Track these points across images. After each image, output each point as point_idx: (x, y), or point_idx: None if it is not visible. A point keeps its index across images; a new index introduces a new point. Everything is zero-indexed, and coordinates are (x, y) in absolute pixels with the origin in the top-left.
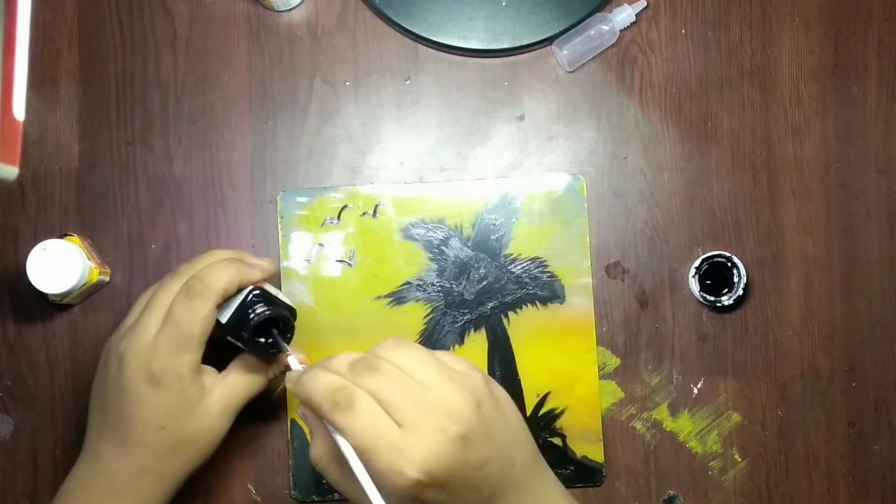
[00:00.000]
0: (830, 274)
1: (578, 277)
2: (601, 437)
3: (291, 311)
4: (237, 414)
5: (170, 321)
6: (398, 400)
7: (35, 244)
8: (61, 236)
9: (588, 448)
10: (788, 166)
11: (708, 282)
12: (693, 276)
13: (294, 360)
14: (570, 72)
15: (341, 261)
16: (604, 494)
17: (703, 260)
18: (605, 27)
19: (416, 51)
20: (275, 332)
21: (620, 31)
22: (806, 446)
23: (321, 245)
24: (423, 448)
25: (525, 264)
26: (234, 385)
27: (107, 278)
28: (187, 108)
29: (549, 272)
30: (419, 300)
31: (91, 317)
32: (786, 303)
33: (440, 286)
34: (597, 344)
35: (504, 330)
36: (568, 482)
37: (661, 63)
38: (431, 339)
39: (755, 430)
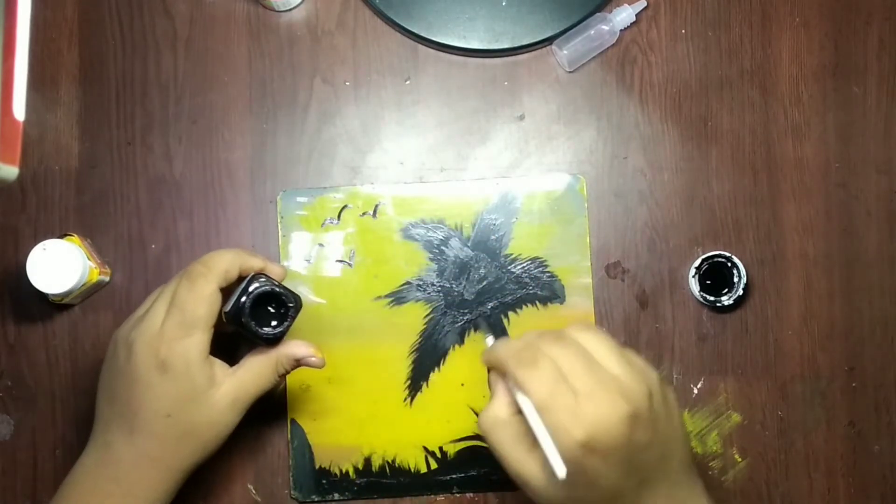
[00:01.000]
0: (830, 274)
1: (578, 277)
2: None
3: (294, 295)
4: (246, 409)
5: (174, 306)
6: (578, 370)
7: (35, 244)
8: (61, 236)
9: None
10: (788, 166)
11: (708, 282)
12: (693, 276)
13: (490, 338)
14: (570, 72)
15: (341, 261)
16: None
17: (703, 260)
18: (605, 27)
19: (416, 51)
20: (275, 323)
21: (620, 31)
22: (806, 446)
23: (321, 245)
24: (594, 414)
25: (525, 264)
26: (243, 379)
27: (107, 278)
28: (187, 108)
29: (549, 272)
30: (419, 300)
31: (91, 317)
32: (786, 303)
33: (440, 286)
34: None
35: (504, 330)
36: None
37: (661, 63)
38: (431, 339)
39: (755, 430)
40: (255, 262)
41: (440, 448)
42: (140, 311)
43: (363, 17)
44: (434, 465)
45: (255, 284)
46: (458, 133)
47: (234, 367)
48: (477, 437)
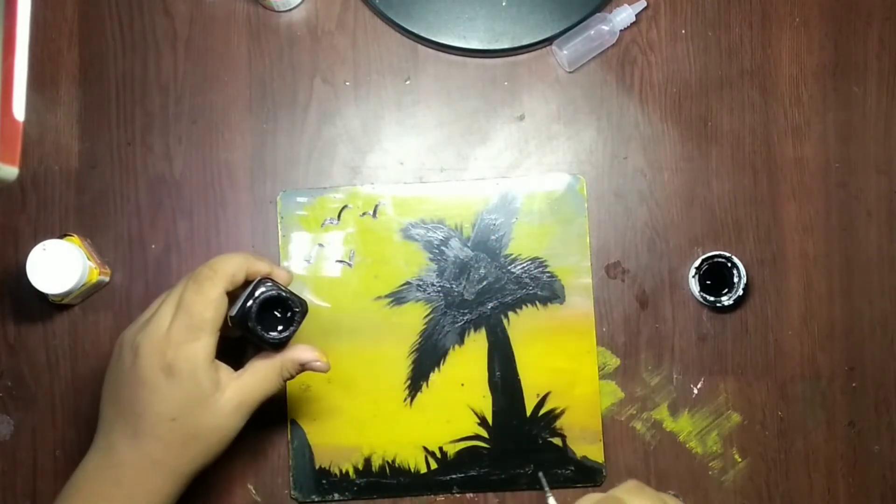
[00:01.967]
0: (830, 274)
1: (578, 277)
2: (601, 437)
3: (299, 299)
4: (251, 413)
5: (181, 309)
6: None
7: (35, 244)
8: (61, 236)
9: (588, 448)
10: (788, 166)
11: (708, 282)
12: (693, 276)
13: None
14: (570, 72)
15: (341, 261)
16: None
17: (703, 260)
18: (605, 27)
19: (416, 51)
20: (281, 328)
21: (620, 31)
22: (806, 446)
23: (321, 245)
24: None
25: (525, 264)
26: (248, 383)
27: (107, 278)
28: (187, 108)
29: (549, 272)
30: (419, 300)
31: (91, 317)
32: (786, 303)
33: (440, 286)
34: (597, 344)
35: (504, 330)
36: (568, 482)
37: (661, 63)
38: (431, 339)
39: (755, 430)
40: (261, 267)
41: (440, 448)
42: (146, 314)
43: (363, 17)
44: (434, 465)
45: (262, 289)
46: (458, 133)
47: (240, 372)
48: (477, 437)
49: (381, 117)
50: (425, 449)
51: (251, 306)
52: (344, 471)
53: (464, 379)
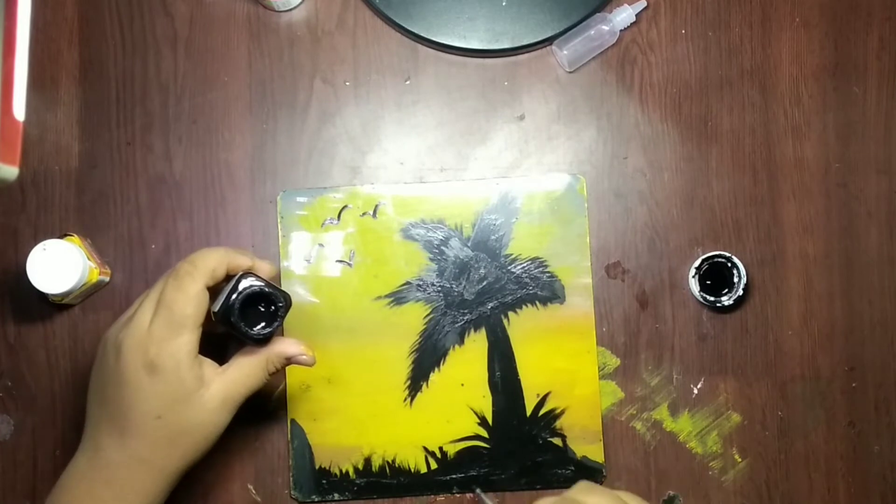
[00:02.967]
0: (830, 274)
1: (578, 277)
2: (601, 437)
3: (283, 293)
4: (237, 408)
5: (162, 305)
6: None
7: (35, 244)
8: (61, 236)
9: (588, 448)
10: (788, 166)
11: (708, 282)
12: (693, 277)
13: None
14: (570, 72)
15: (341, 261)
16: None
17: (703, 260)
18: (605, 27)
19: (416, 51)
20: (264, 324)
21: (620, 31)
22: (806, 446)
23: (321, 245)
24: None
25: (525, 264)
26: (233, 378)
27: (107, 278)
28: (187, 108)
29: (549, 272)
30: (419, 300)
31: (91, 317)
32: (786, 303)
33: (440, 286)
34: (597, 344)
35: (504, 330)
36: (568, 482)
37: (661, 63)
38: (431, 339)
39: (755, 430)
40: (243, 261)
41: (440, 448)
42: (129, 313)
43: (363, 17)
44: (434, 465)
45: (245, 283)
46: (458, 133)
47: (224, 367)
48: (477, 437)
49: (381, 117)
50: (425, 449)
51: (233, 302)
52: (344, 471)
53: (464, 379)
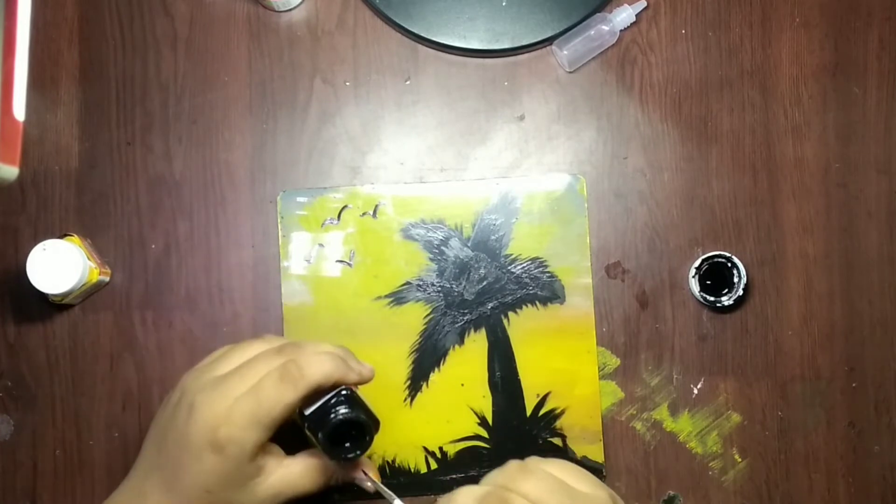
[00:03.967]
0: (830, 274)
1: (578, 277)
2: (601, 437)
3: (375, 422)
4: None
5: (254, 394)
6: (557, 497)
7: (35, 244)
8: (61, 236)
9: (588, 448)
10: (788, 166)
11: (708, 282)
12: (693, 277)
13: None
14: (570, 72)
15: (341, 261)
16: None
17: (703, 260)
18: (605, 27)
19: (416, 51)
20: (348, 445)
21: (620, 31)
22: (806, 446)
23: (321, 245)
24: None
25: (525, 264)
26: (293, 478)
27: (107, 278)
28: (187, 108)
29: (549, 272)
30: (419, 300)
31: (91, 317)
32: (786, 303)
33: (440, 286)
34: (597, 344)
35: (504, 330)
36: None
37: (661, 63)
38: (431, 339)
39: (755, 430)
40: (349, 377)
41: (440, 448)
42: (217, 367)
43: (363, 17)
44: (434, 465)
45: (343, 411)
46: (458, 133)
47: (289, 460)
48: (477, 437)
49: (381, 117)
50: (425, 449)
51: (329, 422)
52: None
53: (464, 379)
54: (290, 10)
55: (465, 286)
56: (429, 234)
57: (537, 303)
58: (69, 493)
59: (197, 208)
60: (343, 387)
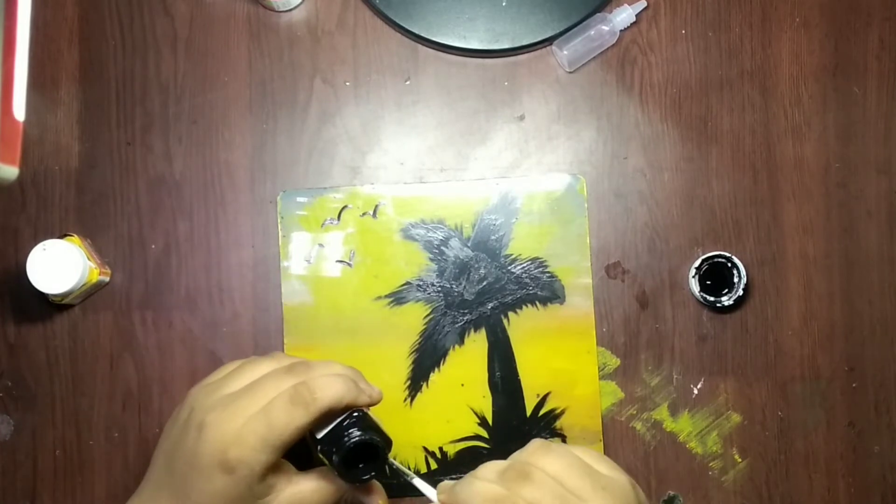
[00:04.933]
0: (830, 274)
1: (578, 278)
2: (601, 437)
3: (387, 443)
4: None
5: (264, 416)
6: (576, 477)
7: (35, 244)
8: (61, 236)
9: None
10: (788, 166)
11: (708, 282)
12: (693, 277)
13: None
14: (570, 72)
15: (341, 261)
16: None
17: (703, 260)
18: (605, 27)
19: (416, 51)
20: (362, 467)
21: (620, 31)
22: (806, 446)
23: (321, 245)
24: None
25: (525, 264)
26: (305, 496)
27: (107, 278)
28: (187, 108)
29: (549, 272)
30: (419, 300)
31: (91, 317)
32: (786, 303)
33: (440, 286)
34: (597, 344)
35: (504, 330)
36: None
37: (661, 63)
38: (431, 339)
39: (755, 431)
40: (361, 399)
41: (440, 448)
42: (227, 387)
43: (363, 17)
44: (434, 465)
45: (357, 432)
46: (458, 133)
47: (300, 477)
48: (477, 437)
49: (381, 117)
50: (425, 449)
51: (343, 445)
52: None
53: (464, 379)
54: (290, 10)
55: (465, 286)
56: (429, 235)
57: (537, 303)
58: (69, 493)
59: (197, 208)
60: (354, 408)
